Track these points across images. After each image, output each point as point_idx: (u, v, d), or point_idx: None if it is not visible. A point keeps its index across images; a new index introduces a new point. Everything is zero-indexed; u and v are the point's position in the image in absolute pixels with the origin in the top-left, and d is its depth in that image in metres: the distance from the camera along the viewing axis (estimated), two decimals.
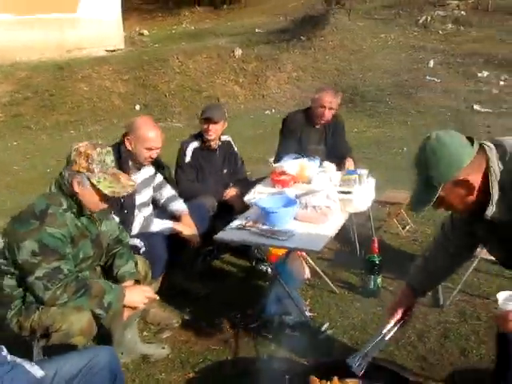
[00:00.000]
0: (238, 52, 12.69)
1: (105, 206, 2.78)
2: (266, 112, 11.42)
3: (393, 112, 10.57)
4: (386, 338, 2.56)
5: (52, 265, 2.54)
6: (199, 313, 3.80)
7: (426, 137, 2.10)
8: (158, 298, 2.94)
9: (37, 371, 1.99)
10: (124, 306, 2.74)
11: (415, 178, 2.12)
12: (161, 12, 20.61)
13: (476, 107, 10.13)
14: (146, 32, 17.41)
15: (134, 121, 3.61)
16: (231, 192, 4.47)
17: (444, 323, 3.58)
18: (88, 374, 2.15)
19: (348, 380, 2.53)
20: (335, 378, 2.54)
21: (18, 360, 2.03)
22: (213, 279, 4.27)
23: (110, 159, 2.74)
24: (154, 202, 3.89)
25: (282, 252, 4.05)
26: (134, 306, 2.81)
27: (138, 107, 11.45)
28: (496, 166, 2.02)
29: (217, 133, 4.34)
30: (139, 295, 2.77)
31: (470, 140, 2.08)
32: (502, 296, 2.16)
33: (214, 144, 4.42)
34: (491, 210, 2.05)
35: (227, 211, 4.44)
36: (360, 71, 12.45)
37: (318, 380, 2.54)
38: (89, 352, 2.25)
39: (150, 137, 3.48)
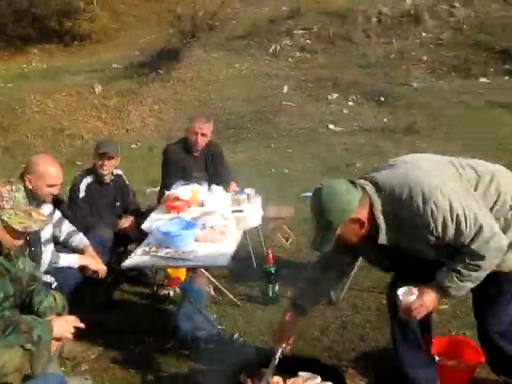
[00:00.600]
0: (98, 88, 12.67)
1: (19, 242, 2.86)
2: (132, 146, 11.50)
3: (256, 137, 11.12)
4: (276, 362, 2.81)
5: None
6: (113, 342, 3.89)
7: (318, 188, 2.45)
8: (83, 325, 3.02)
9: None
10: (52, 338, 2.82)
11: (313, 223, 2.45)
12: (6, 50, 19.84)
13: (331, 127, 11.00)
14: None
15: (32, 159, 3.68)
16: (127, 222, 4.62)
17: (340, 317, 4.03)
18: None
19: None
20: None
21: None
22: (118, 309, 4.38)
23: (20, 195, 2.82)
24: (54, 238, 3.94)
25: (181, 275, 4.29)
26: (59, 338, 2.90)
27: None
28: (377, 202, 2.43)
29: (111, 168, 4.50)
30: (66, 325, 2.87)
31: (352, 183, 2.46)
32: (401, 291, 2.52)
33: (108, 178, 4.55)
34: (382, 239, 2.46)
35: (123, 241, 4.60)
36: (219, 100, 12.92)
37: (249, 379, 2.81)
38: (40, 380, 2.33)
39: (51, 173, 3.58)
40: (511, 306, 2.74)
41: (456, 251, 2.43)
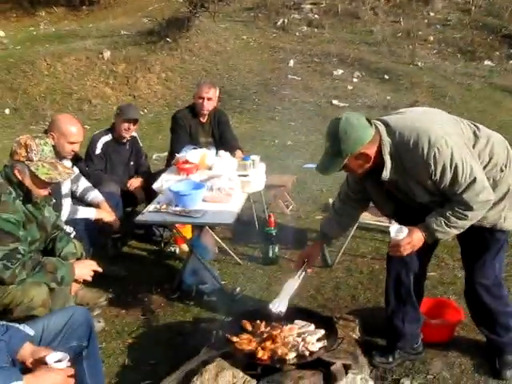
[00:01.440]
0: (107, 54, 12.81)
1: (45, 192, 3.12)
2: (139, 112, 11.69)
3: (260, 109, 11.33)
4: (296, 285, 3.13)
5: (9, 246, 2.85)
6: (122, 291, 4.21)
7: (337, 118, 2.67)
8: (101, 269, 3.29)
9: (28, 330, 2.36)
10: (74, 280, 3.11)
11: (327, 148, 2.71)
12: (15, 12, 19.88)
13: (334, 102, 11.20)
14: (1, 33, 16.81)
15: (56, 117, 3.95)
16: (135, 182, 4.89)
17: (335, 278, 4.32)
18: (70, 329, 2.53)
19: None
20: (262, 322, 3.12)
21: (9, 324, 2.37)
22: (127, 263, 4.66)
23: (48, 149, 3.07)
24: (72, 193, 4.21)
25: (187, 234, 4.56)
26: (79, 281, 3.19)
27: (7, 111, 11.21)
28: (386, 141, 2.68)
29: (134, 131, 4.80)
30: (86, 268, 3.15)
31: (368, 120, 2.70)
32: (393, 229, 2.79)
33: (125, 139, 4.83)
34: (386, 174, 2.71)
35: (130, 201, 4.88)
36: (226, 71, 13.10)
37: (248, 322, 3.11)
38: (68, 311, 2.62)
39: (73, 131, 3.84)
40: (496, 262, 3.03)
41: (447, 200, 2.70)
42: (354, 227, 4.54)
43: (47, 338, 2.46)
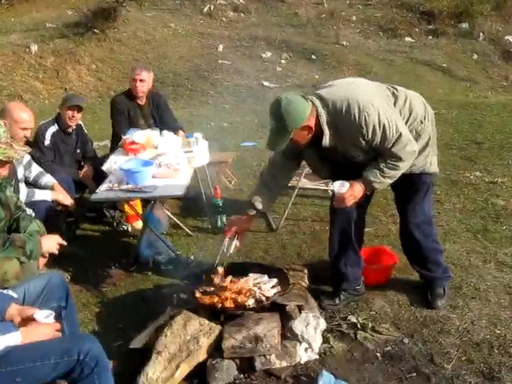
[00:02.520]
0: (34, 48, 12.67)
1: (5, 171, 3.27)
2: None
3: (194, 94, 11.58)
4: (231, 251, 3.42)
5: None
6: (82, 269, 4.38)
7: (277, 99, 2.98)
8: (65, 243, 3.49)
9: (12, 293, 2.57)
10: (41, 255, 3.31)
11: (272, 127, 3.02)
12: None
13: (265, 84, 11.58)
14: None
15: (7, 106, 4.09)
16: (86, 172, 5.06)
17: (280, 240, 4.68)
18: (48, 291, 2.77)
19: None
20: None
21: None
22: (82, 243, 4.83)
23: (2, 130, 3.22)
24: (25, 178, 4.35)
25: (137, 212, 4.78)
26: (45, 256, 3.39)
27: None
28: (323, 113, 3.02)
29: (79, 119, 4.96)
30: (52, 242, 3.35)
31: (303, 97, 3.03)
32: (336, 184, 3.13)
33: (71, 128, 4.98)
34: (326, 141, 3.07)
35: (80, 189, 5.05)
36: (156, 59, 13.20)
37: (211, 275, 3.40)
38: (45, 276, 2.85)
39: (24, 117, 4.00)
40: (425, 202, 3.48)
41: (380, 155, 3.09)
42: (294, 195, 4.91)
43: (29, 300, 2.68)
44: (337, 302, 3.55)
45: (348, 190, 3.11)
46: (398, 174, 3.14)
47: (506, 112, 8.85)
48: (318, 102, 3.05)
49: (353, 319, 3.37)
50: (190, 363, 2.90)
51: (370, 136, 3.00)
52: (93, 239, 4.99)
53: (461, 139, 7.28)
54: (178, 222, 4.98)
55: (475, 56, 13.20)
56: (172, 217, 5.01)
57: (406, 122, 3.16)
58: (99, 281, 4.22)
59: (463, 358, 3.03)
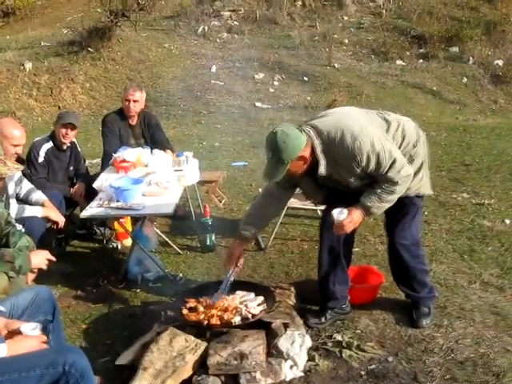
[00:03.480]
0: (29, 65, 12.76)
1: None
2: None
3: (186, 114, 11.67)
4: (232, 279, 3.52)
5: None
6: (71, 286, 4.40)
7: (273, 132, 3.06)
8: (54, 259, 3.51)
9: (0, 307, 2.60)
10: (30, 270, 3.33)
11: (269, 159, 3.10)
12: None
13: (258, 104, 11.70)
14: None
15: None
16: (77, 189, 5.08)
17: (268, 260, 4.71)
18: (36, 305, 2.79)
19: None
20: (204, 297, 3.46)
21: None
22: (72, 260, 4.86)
23: None
24: (16, 195, 4.38)
25: (126, 230, 4.81)
26: (34, 271, 3.41)
27: None
28: (318, 142, 3.10)
29: (73, 137, 5.00)
30: (41, 257, 3.37)
31: (298, 128, 3.11)
32: (335, 212, 3.19)
33: (65, 145, 5.02)
34: (322, 170, 3.14)
35: (70, 205, 5.07)
36: (150, 79, 13.33)
37: (193, 299, 3.42)
38: (33, 289, 2.88)
39: (16, 134, 4.04)
40: (414, 224, 3.55)
41: (375, 181, 3.16)
42: (282, 215, 4.95)
43: (16, 313, 2.71)
44: (323, 320, 3.57)
45: (347, 217, 3.18)
46: (395, 198, 3.21)
47: (494, 135, 8.97)
48: (312, 133, 3.13)
49: (338, 337, 3.39)
50: (176, 380, 2.91)
51: (364, 163, 3.08)
52: (82, 256, 5.01)
53: (449, 161, 7.37)
54: (168, 240, 5.02)
55: (465, 79, 13.38)
56: (161, 235, 5.05)
57: (400, 147, 3.24)
58: (87, 297, 4.23)
59: (447, 377, 3.05)
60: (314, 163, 3.16)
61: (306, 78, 13.11)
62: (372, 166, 3.08)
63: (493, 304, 3.78)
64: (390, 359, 3.21)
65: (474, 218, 5.32)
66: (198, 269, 4.63)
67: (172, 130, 10.52)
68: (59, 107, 12.45)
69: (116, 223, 4.90)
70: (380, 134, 3.16)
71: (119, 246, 5.07)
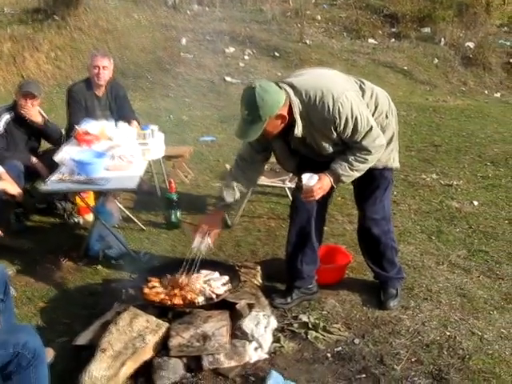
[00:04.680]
0: None
1: None
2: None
3: (155, 86, 11.40)
4: (202, 250, 3.28)
5: None
6: (29, 262, 4.22)
7: (250, 86, 2.84)
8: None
9: None
10: None
11: (245, 117, 2.86)
12: None
13: (227, 79, 11.49)
14: None
15: None
16: (36, 159, 4.86)
17: (235, 237, 4.61)
18: None
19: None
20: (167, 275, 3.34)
21: None
22: (32, 236, 4.68)
23: None
24: None
25: (88, 205, 4.64)
26: None
27: None
28: (295, 101, 2.93)
29: (35, 107, 4.75)
30: None
31: (277, 84, 2.93)
32: (305, 177, 3.04)
33: (27, 116, 4.79)
34: (298, 132, 2.98)
35: (31, 176, 4.86)
36: (117, 50, 12.94)
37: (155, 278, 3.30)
38: None
39: None
40: (385, 199, 3.47)
41: (348, 148, 3.05)
42: (250, 192, 4.83)
43: None
44: (289, 300, 3.50)
45: (317, 183, 3.04)
46: (366, 167, 3.11)
47: (463, 116, 8.98)
48: (290, 90, 2.95)
49: (304, 318, 3.32)
50: (136, 361, 2.80)
51: (341, 127, 2.95)
52: (42, 231, 4.83)
53: (419, 141, 7.34)
54: (131, 216, 4.87)
55: (436, 60, 13.35)
56: (124, 210, 4.89)
57: (373, 116, 3.12)
58: (46, 274, 4.07)
59: (413, 359, 3.01)
60: (290, 124, 2.99)
61: (277, 54, 12.91)
62: (348, 131, 2.96)
63: (459, 286, 3.76)
64: (357, 341, 3.16)
65: (442, 199, 5.30)
66: (162, 246, 4.50)
67: (139, 103, 10.27)
68: (23, 76, 12.02)
69: (78, 197, 4.72)
70: (358, 99, 3.03)
71: (81, 221, 4.90)
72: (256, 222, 4.93)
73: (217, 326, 2.89)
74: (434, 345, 3.13)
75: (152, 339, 2.86)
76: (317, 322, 3.28)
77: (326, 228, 4.59)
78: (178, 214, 4.80)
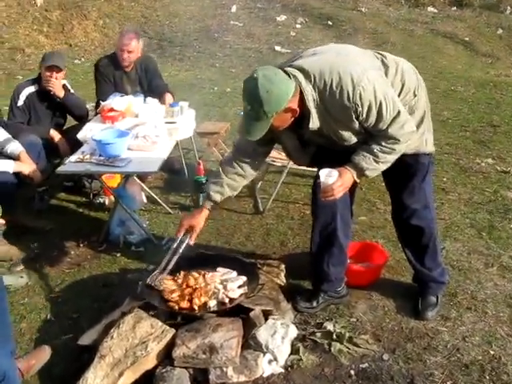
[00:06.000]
0: (40, 0, 12.21)
1: None
2: (76, 61, 11.25)
3: (201, 56, 11.09)
4: (180, 251, 2.93)
5: None
6: (48, 245, 4.04)
7: (253, 76, 2.39)
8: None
9: None
10: None
11: (248, 112, 2.44)
12: None
13: (277, 48, 11.06)
14: None
15: None
16: (58, 134, 4.64)
17: (265, 225, 4.28)
18: None
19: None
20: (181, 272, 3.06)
21: None
22: (54, 216, 4.49)
23: None
24: None
25: (116, 183, 4.41)
26: None
27: None
28: (308, 89, 2.51)
29: (59, 80, 4.53)
30: None
31: (284, 71, 2.49)
32: (322, 173, 2.66)
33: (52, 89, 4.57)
34: (313, 124, 2.57)
35: (55, 152, 4.64)
36: (166, 18, 12.71)
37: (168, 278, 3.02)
38: None
39: None
40: (425, 185, 3.01)
41: (372, 136, 2.62)
42: (285, 173, 4.49)
43: None
44: (314, 304, 3.15)
45: (337, 180, 2.64)
46: (394, 158, 2.67)
47: None
48: (301, 77, 2.51)
49: (329, 327, 2.97)
50: (135, 371, 2.55)
51: (364, 116, 2.52)
52: (66, 212, 4.63)
53: (476, 120, 6.77)
54: (157, 199, 4.60)
55: (500, 31, 12.47)
56: (150, 192, 4.62)
57: (399, 96, 2.68)
58: (63, 260, 3.87)
59: (448, 383, 2.65)
60: (302, 115, 2.57)
61: (330, 22, 12.36)
62: (372, 119, 2.53)
63: (509, 294, 3.32)
64: (386, 357, 2.80)
65: (497, 189, 4.80)
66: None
67: (184, 73, 10.05)
68: (70, 45, 11.97)
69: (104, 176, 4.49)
70: (382, 79, 2.59)
71: (107, 202, 4.65)
72: (290, 208, 4.58)
73: (226, 336, 2.59)
74: (474, 366, 2.74)
75: (155, 348, 2.59)
76: (343, 331, 2.93)
77: (364, 218, 4.33)
78: None
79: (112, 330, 2.69)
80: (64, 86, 4.69)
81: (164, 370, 2.57)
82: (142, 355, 2.57)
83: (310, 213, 4.36)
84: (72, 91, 4.88)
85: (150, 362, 2.59)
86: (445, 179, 4.98)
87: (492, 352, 2.84)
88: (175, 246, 2.96)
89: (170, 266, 2.95)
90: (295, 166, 4.26)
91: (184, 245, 2.93)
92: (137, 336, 2.65)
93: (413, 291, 3.28)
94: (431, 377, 2.68)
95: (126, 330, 2.68)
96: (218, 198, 2.95)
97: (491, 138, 6.12)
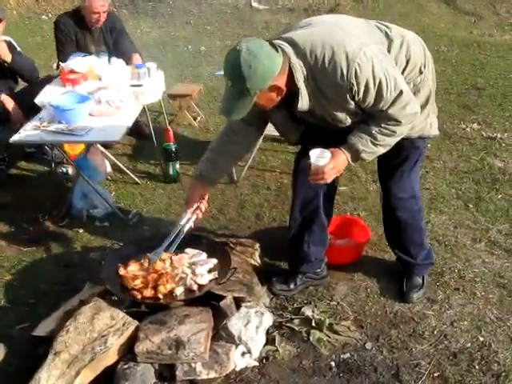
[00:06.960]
0: None
1: None
2: (43, 17, 10.71)
3: (175, 13, 10.60)
4: (185, 229, 2.67)
5: None
6: (5, 221, 3.75)
7: (235, 49, 2.12)
8: None
9: None
10: None
11: (229, 88, 2.19)
12: None
13: (254, 5, 10.58)
14: None
15: None
16: (10, 100, 4.26)
17: (240, 196, 4.02)
18: None
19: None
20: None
21: None
22: (12, 187, 4.18)
23: None
24: None
25: (80, 151, 4.09)
26: None
27: None
28: (297, 65, 2.21)
29: (2, 42, 4.13)
30: None
31: (272, 44, 2.19)
32: (313, 154, 2.39)
33: None
34: (302, 104, 2.28)
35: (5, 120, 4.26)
36: None
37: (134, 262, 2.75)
38: None
39: None
40: (413, 173, 2.79)
41: (371, 116, 2.35)
42: (261, 138, 4.20)
43: None
44: (291, 286, 2.92)
45: (329, 162, 2.37)
46: (394, 141, 2.41)
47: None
48: (290, 51, 2.22)
49: (307, 312, 2.75)
50: (94, 369, 2.30)
51: (360, 95, 2.23)
52: (26, 182, 4.30)
53: (460, 83, 6.49)
54: (124, 169, 4.29)
55: None
56: (115, 161, 4.30)
57: (403, 72, 2.40)
58: (21, 237, 3.58)
59: (435, 374, 2.44)
60: (292, 93, 2.28)
61: None
62: (370, 99, 2.25)
63: (499, 273, 3.12)
64: (369, 346, 2.60)
65: (483, 156, 4.57)
66: (156, 204, 3.96)
67: (157, 30, 9.59)
68: (37, 0, 11.36)
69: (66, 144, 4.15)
70: (383, 55, 2.29)
71: (70, 171, 4.30)
72: (266, 176, 4.30)
73: (194, 329, 2.35)
74: (463, 354, 2.55)
75: (115, 342, 2.34)
76: (322, 317, 2.70)
77: (345, 188, 4.08)
78: (177, 166, 4.21)
79: (68, 323, 2.42)
80: (10, 46, 4.29)
81: (126, 366, 2.33)
82: (101, 351, 2.31)
83: (288, 182, 4.15)
84: (19, 49, 4.48)
85: (110, 358, 2.34)
86: (429, 146, 4.72)
87: (481, 338, 2.65)
88: (183, 221, 2.67)
89: (176, 244, 2.65)
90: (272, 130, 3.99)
91: (190, 222, 2.68)
92: (95, 329, 2.39)
93: (397, 270, 3.08)
94: (417, 367, 2.48)
95: (84, 323, 2.41)
96: (213, 177, 2.74)
97: (476, 102, 5.86)
